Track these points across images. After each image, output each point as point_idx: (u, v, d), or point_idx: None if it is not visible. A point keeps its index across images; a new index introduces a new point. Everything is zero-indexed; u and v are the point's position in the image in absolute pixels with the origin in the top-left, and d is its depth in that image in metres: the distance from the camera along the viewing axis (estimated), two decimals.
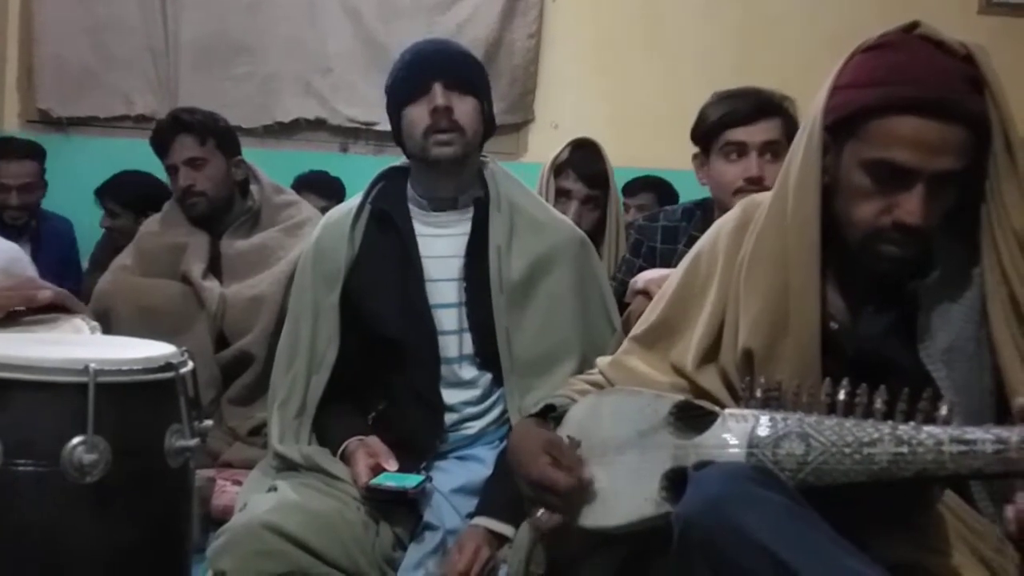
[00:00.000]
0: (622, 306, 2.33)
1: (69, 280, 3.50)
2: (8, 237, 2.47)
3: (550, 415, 1.73)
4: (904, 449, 1.30)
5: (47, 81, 5.01)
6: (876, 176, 1.49)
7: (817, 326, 1.54)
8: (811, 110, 1.57)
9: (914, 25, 1.52)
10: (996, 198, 1.49)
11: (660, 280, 2.12)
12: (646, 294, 2.14)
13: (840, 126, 1.52)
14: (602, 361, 1.83)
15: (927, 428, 1.30)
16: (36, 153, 4.38)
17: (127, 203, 4.06)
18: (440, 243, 2.19)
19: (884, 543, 1.41)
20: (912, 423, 1.32)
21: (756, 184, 2.40)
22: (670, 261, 2.55)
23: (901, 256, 1.50)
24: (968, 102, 1.46)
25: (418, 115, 2.13)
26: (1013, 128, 1.49)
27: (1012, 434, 1.25)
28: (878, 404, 1.35)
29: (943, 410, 1.31)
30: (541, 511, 1.61)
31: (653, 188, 4.40)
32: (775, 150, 2.44)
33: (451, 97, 2.12)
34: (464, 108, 2.13)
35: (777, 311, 1.56)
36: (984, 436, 1.26)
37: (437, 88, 2.12)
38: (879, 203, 1.49)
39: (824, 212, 1.54)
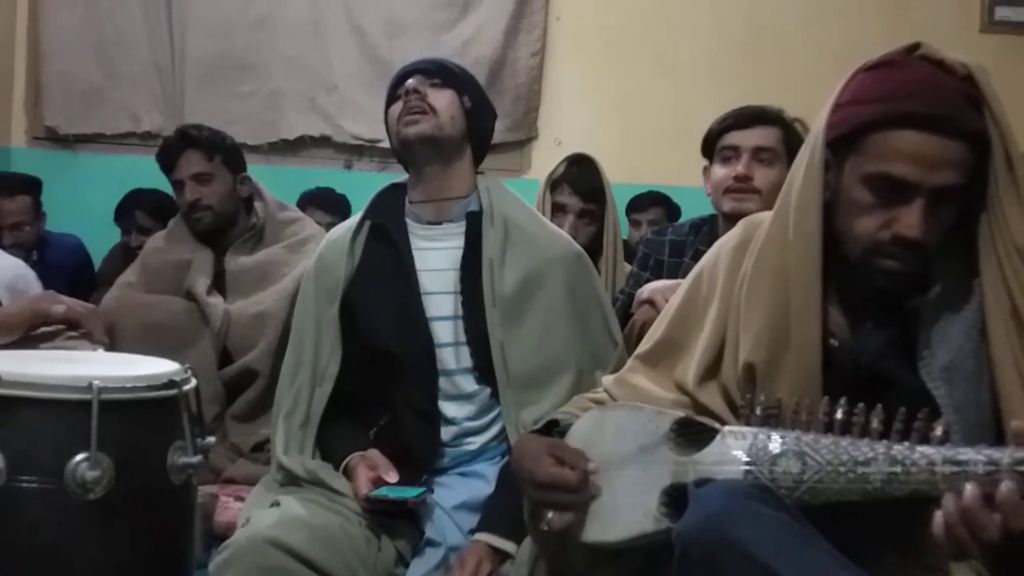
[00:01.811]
0: (631, 318, 2.33)
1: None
2: None
3: (554, 430, 1.73)
4: (897, 469, 1.31)
5: (54, 98, 5.03)
6: (876, 190, 1.49)
7: (818, 342, 1.54)
8: (813, 128, 1.58)
9: (915, 46, 1.53)
10: (997, 212, 1.49)
11: (665, 290, 2.13)
12: (651, 304, 2.15)
13: (841, 142, 1.52)
14: (607, 379, 1.83)
15: (921, 448, 1.31)
16: (29, 187, 4.13)
17: (161, 218, 3.77)
18: (435, 256, 2.21)
19: (883, 560, 1.41)
20: (907, 443, 1.32)
21: (743, 182, 2.46)
22: (677, 274, 2.57)
23: (900, 271, 1.50)
24: (968, 119, 1.47)
25: (395, 108, 2.21)
26: (1013, 143, 1.48)
27: (1004, 455, 1.26)
28: (875, 423, 1.36)
29: (938, 430, 1.32)
30: (551, 513, 1.61)
31: (662, 203, 4.44)
32: (768, 156, 2.49)
33: (425, 86, 2.20)
34: (438, 95, 2.20)
35: (778, 327, 1.56)
36: (976, 457, 1.27)
37: (412, 80, 2.20)
38: (879, 217, 1.49)
39: (826, 229, 1.54)
